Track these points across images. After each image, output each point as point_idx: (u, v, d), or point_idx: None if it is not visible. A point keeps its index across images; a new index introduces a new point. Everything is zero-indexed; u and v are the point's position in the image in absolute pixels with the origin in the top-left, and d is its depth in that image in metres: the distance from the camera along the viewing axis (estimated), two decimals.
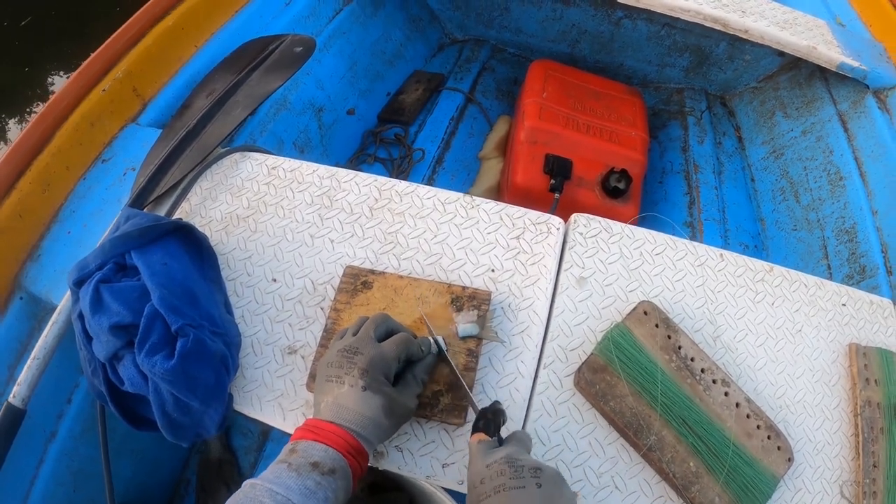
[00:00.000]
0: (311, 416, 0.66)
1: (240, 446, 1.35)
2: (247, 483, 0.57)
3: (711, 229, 1.54)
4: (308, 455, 0.59)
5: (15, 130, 3.51)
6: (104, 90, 1.17)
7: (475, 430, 0.63)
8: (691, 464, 0.72)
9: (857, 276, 1.26)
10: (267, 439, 1.35)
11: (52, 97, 1.14)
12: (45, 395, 0.93)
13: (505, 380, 0.76)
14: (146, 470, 1.23)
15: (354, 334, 0.70)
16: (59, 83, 3.73)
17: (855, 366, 0.84)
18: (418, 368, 0.71)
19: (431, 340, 0.74)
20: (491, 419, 0.63)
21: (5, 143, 3.41)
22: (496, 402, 0.66)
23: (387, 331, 0.71)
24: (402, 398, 0.66)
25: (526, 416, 0.75)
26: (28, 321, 1.02)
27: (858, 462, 0.78)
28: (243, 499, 0.55)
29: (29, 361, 0.87)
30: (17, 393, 0.86)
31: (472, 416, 0.73)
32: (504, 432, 0.63)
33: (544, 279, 0.84)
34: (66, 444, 1.03)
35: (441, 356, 0.74)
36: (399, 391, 0.67)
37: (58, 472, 1.01)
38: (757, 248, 1.58)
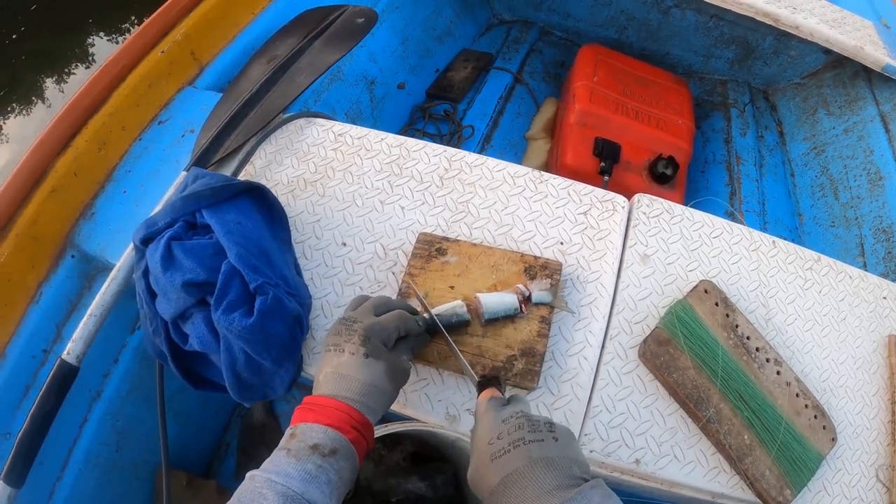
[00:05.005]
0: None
1: (283, 412, 1.36)
2: (248, 474, 0.55)
3: (751, 221, 1.55)
4: (307, 438, 0.56)
5: (53, 90, 3.51)
6: (162, 52, 1.18)
7: (483, 387, 0.62)
8: (746, 437, 0.75)
9: (893, 274, 1.29)
10: None
11: (109, 57, 1.14)
12: (93, 355, 0.92)
13: (574, 348, 0.80)
14: (190, 432, 1.23)
15: (353, 311, 0.69)
16: (99, 46, 3.73)
17: (893, 356, 0.87)
18: (414, 340, 0.71)
19: (426, 316, 0.75)
20: (494, 380, 0.64)
21: (42, 102, 3.41)
22: (492, 370, 0.67)
23: (386, 311, 0.70)
24: (400, 360, 0.66)
25: (593, 384, 0.79)
26: (79, 279, 1.02)
27: (894, 448, 0.81)
28: (244, 493, 0.52)
29: (85, 318, 0.86)
30: (71, 350, 0.85)
31: (542, 381, 0.77)
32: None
33: (611, 254, 0.87)
34: (112, 404, 1.02)
35: (436, 329, 0.75)
36: (396, 354, 0.67)
37: (102, 431, 1.01)
38: (794, 242, 1.58)
